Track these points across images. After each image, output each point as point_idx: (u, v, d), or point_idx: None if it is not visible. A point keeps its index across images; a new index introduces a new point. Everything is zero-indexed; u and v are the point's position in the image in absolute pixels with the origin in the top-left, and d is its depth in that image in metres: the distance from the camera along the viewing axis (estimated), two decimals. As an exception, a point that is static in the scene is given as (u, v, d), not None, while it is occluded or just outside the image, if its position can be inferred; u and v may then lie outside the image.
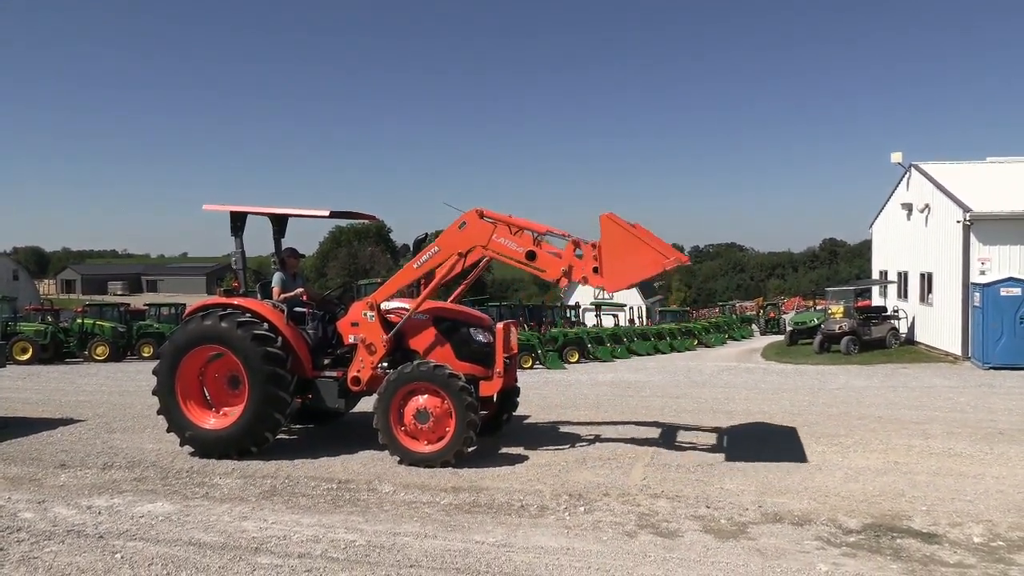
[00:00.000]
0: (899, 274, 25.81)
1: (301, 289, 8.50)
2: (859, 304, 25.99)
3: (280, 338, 7.75)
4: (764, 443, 8.58)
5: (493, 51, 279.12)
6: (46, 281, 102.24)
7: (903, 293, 25.29)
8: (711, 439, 8.79)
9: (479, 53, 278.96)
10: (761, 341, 35.87)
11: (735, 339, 38.97)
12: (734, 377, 17.17)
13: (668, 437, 8.92)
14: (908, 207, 23.77)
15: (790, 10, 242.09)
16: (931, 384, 14.85)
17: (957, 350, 19.67)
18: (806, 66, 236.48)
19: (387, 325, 7.92)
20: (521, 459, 7.72)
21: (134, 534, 5.47)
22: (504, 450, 8.10)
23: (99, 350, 23.05)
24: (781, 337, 33.59)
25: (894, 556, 5.03)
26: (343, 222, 63.85)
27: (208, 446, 7.77)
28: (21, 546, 5.22)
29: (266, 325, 7.76)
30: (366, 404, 8.49)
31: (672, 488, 6.63)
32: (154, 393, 8.03)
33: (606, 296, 58.12)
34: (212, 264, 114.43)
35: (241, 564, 4.91)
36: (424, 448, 7.42)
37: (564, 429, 9.49)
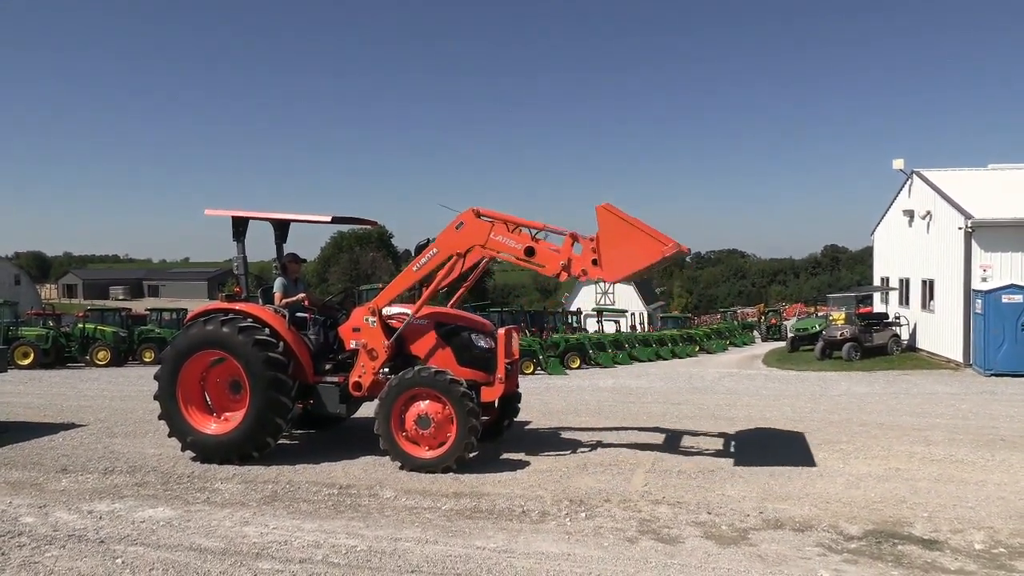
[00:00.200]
0: (901, 281, 25.81)
1: (303, 294, 8.51)
2: (861, 311, 26.02)
3: (281, 343, 7.76)
4: (765, 449, 8.57)
5: (495, 53, 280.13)
6: (48, 286, 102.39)
7: (905, 300, 25.29)
8: (712, 445, 8.79)
9: (481, 55, 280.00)
10: (762, 347, 35.85)
11: (736, 345, 38.97)
12: (735, 383, 17.15)
13: (669, 443, 8.91)
14: (910, 214, 23.80)
15: (792, 15, 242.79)
16: (933, 391, 14.83)
17: (959, 357, 19.65)
18: (808, 72, 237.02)
19: (389, 331, 7.93)
20: (522, 465, 7.72)
21: (135, 539, 5.47)
22: (505, 456, 8.10)
23: (100, 355, 23.08)
24: (783, 343, 33.61)
25: (895, 562, 5.03)
26: (345, 227, 63.83)
27: (209, 451, 7.77)
28: (22, 551, 5.22)
29: (268, 330, 7.77)
30: (367, 410, 8.49)
31: (673, 494, 6.62)
32: (155, 398, 8.03)
33: (608, 302, 58.14)
34: (214, 269, 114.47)
35: (242, 569, 4.91)
36: (425, 454, 7.42)
37: (565, 435, 9.49)
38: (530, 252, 7.41)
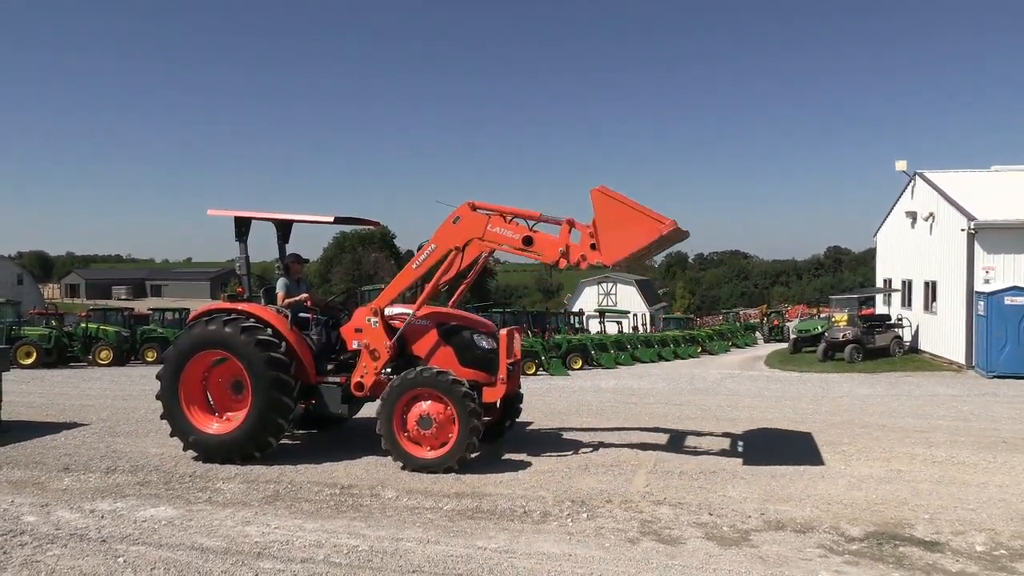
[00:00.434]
0: (903, 282, 25.78)
1: (306, 294, 8.52)
2: (863, 312, 26.02)
3: (284, 343, 7.77)
4: (767, 451, 8.57)
5: (497, 54, 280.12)
6: (50, 285, 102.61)
7: (907, 301, 25.26)
8: (714, 446, 8.79)
9: (483, 56, 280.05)
10: (765, 349, 35.84)
11: (739, 346, 38.96)
12: (738, 385, 17.14)
13: (671, 444, 8.91)
14: (912, 215, 23.78)
15: (794, 17, 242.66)
16: (934, 392, 14.81)
17: (961, 359, 19.63)
18: (810, 72, 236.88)
19: (391, 331, 7.94)
20: (524, 465, 7.72)
21: (137, 538, 5.48)
22: (507, 456, 8.11)
23: (103, 354, 23.13)
24: (785, 345, 33.58)
25: (896, 564, 5.02)
26: (347, 228, 64.00)
27: (211, 451, 7.79)
28: (24, 550, 5.24)
29: (270, 330, 7.78)
30: (369, 410, 8.50)
31: (675, 495, 6.62)
32: (158, 397, 8.05)
33: (610, 303, 58.08)
34: (216, 269, 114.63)
35: (244, 569, 4.92)
36: (427, 454, 7.43)
37: (567, 436, 9.49)
38: (528, 241, 7.42)
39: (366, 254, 70.80)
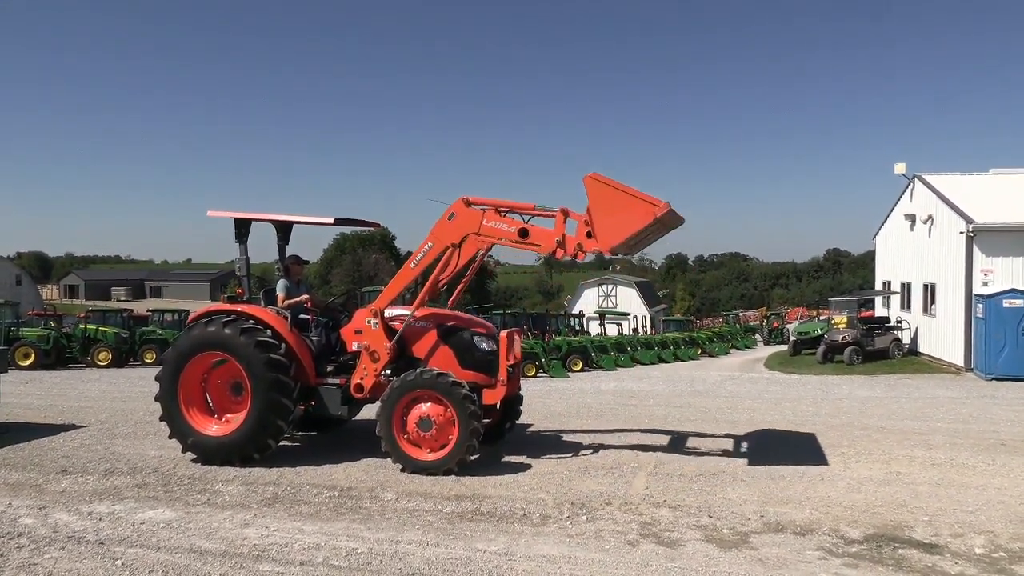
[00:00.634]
0: (902, 285, 25.80)
1: (306, 296, 8.51)
2: (862, 314, 25.99)
3: (283, 345, 7.76)
4: (767, 453, 8.56)
5: (497, 54, 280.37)
6: (49, 286, 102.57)
7: (906, 304, 25.27)
8: (714, 448, 8.78)
9: (483, 57, 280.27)
10: (764, 351, 35.82)
11: (739, 349, 38.95)
12: (737, 387, 17.14)
13: (671, 446, 8.91)
14: (912, 218, 23.80)
15: (793, 19, 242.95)
16: (933, 395, 14.82)
17: (960, 361, 19.64)
18: (810, 76, 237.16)
19: (391, 332, 7.93)
20: (524, 467, 7.71)
21: (135, 541, 5.47)
22: (507, 458, 8.10)
23: (102, 356, 23.08)
24: (784, 347, 33.56)
25: (896, 566, 5.02)
26: (347, 229, 63.97)
27: (210, 453, 7.77)
28: (21, 552, 5.22)
29: (269, 332, 7.78)
30: (369, 412, 8.49)
31: (674, 497, 6.62)
32: (156, 399, 8.03)
33: (610, 304, 58.08)
34: (216, 270, 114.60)
35: (242, 571, 4.91)
36: (427, 456, 7.42)
37: (567, 438, 9.48)
38: (524, 234, 7.42)
39: (366, 255, 70.74)
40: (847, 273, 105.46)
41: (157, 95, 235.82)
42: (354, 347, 8.08)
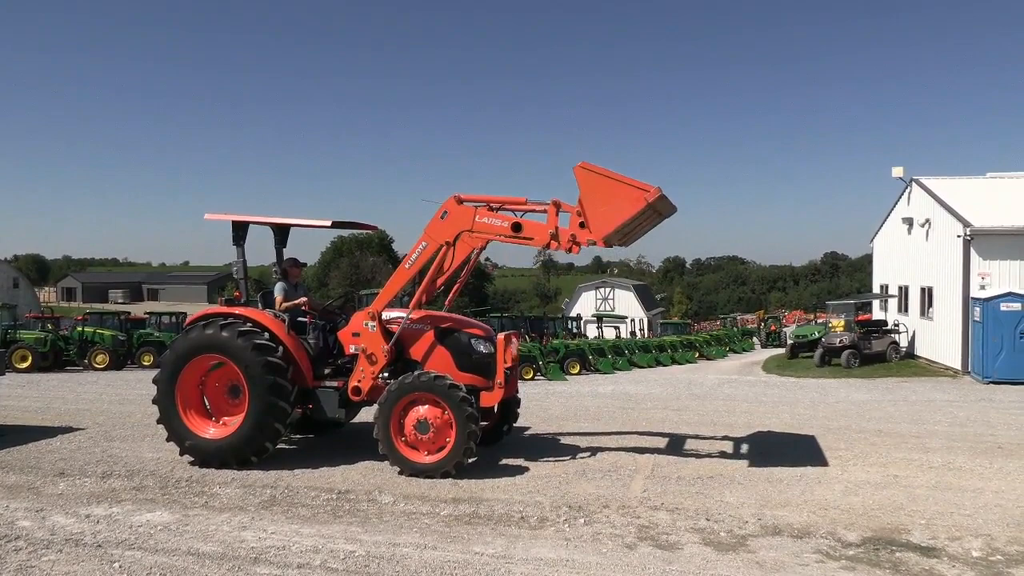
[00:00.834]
0: (900, 288, 25.84)
1: (303, 299, 8.52)
2: (860, 318, 26.02)
3: (281, 348, 7.76)
4: (764, 456, 8.57)
5: (496, 57, 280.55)
6: (46, 289, 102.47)
7: (904, 307, 25.32)
8: (711, 451, 8.79)
9: (480, 60, 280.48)
10: (762, 354, 35.83)
11: (736, 352, 38.95)
12: (735, 390, 17.16)
13: (668, 449, 8.91)
14: (909, 222, 23.85)
15: (791, 23, 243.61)
16: (931, 398, 14.84)
17: (957, 364, 19.67)
18: (808, 80, 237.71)
19: (388, 335, 7.93)
20: (521, 470, 7.71)
21: (132, 543, 5.46)
22: (504, 461, 8.10)
23: (99, 358, 23.05)
24: (782, 350, 33.59)
25: (893, 570, 5.03)
26: (345, 232, 64.02)
27: (208, 455, 7.76)
28: (19, 555, 5.21)
29: (267, 335, 7.77)
30: (366, 414, 8.49)
31: (672, 500, 6.62)
32: (154, 402, 8.03)
33: (608, 308, 58.12)
34: (213, 273, 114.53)
35: (240, 574, 4.90)
36: (424, 458, 7.42)
37: (564, 441, 9.49)
38: (517, 228, 7.43)
39: (364, 258, 70.71)
40: (844, 276, 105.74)
41: (155, 97, 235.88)
42: (352, 350, 8.08)
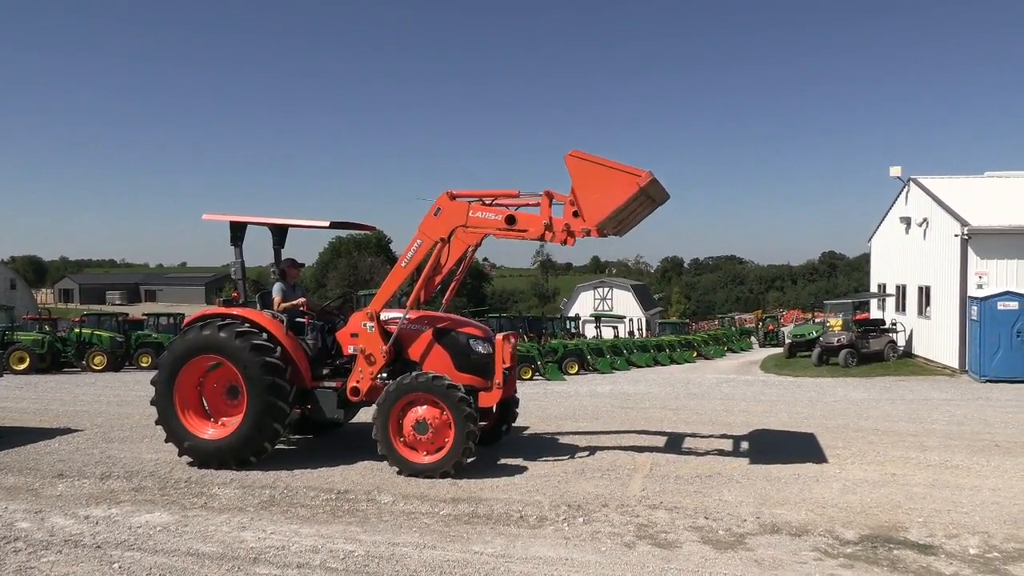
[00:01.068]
0: (897, 287, 25.89)
1: (302, 299, 8.52)
2: (857, 317, 26.08)
3: (279, 348, 7.76)
4: (762, 455, 8.58)
5: (493, 57, 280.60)
6: (44, 290, 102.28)
7: (901, 306, 25.36)
8: (710, 450, 8.80)
9: (480, 60, 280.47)
10: (760, 353, 35.88)
11: (734, 351, 39.00)
12: (733, 389, 17.18)
13: (667, 448, 8.92)
14: (907, 221, 23.90)
15: (788, 23, 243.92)
16: (928, 397, 14.87)
17: (954, 363, 19.71)
18: (805, 80, 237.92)
19: (386, 336, 7.94)
20: (520, 470, 7.72)
21: (132, 544, 5.46)
22: (503, 461, 8.11)
23: (97, 360, 23.03)
24: (780, 349, 33.63)
25: (891, 567, 5.04)
26: (343, 232, 63.96)
27: (206, 456, 7.76)
28: (18, 556, 5.21)
29: (265, 335, 7.77)
30: (365, 414, 8.49)
31: (670, 499, 6.63)
32: (152, 403, 8.03)
33: (606, 308, 58.11)
34: (211, 274, 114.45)
35: (239, 574, 4.90)
36: (423, 459, 7.42)
37: (563, 440, 9.49)
38: (511, 221, 7.43)
39: (362, 259, 70.68)
40: (842, 276, 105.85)
41: (153, 97, 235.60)
42: (350, 350, 8.08)
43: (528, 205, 7.59)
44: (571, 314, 46.76)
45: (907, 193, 24.44)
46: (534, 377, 21.64)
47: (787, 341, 30.39)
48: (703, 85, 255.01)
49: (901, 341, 24.27)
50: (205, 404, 8.23)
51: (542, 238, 7.35)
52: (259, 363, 7.54)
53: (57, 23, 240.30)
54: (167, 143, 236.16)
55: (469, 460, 7.53)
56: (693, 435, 9.87)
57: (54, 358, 23.01)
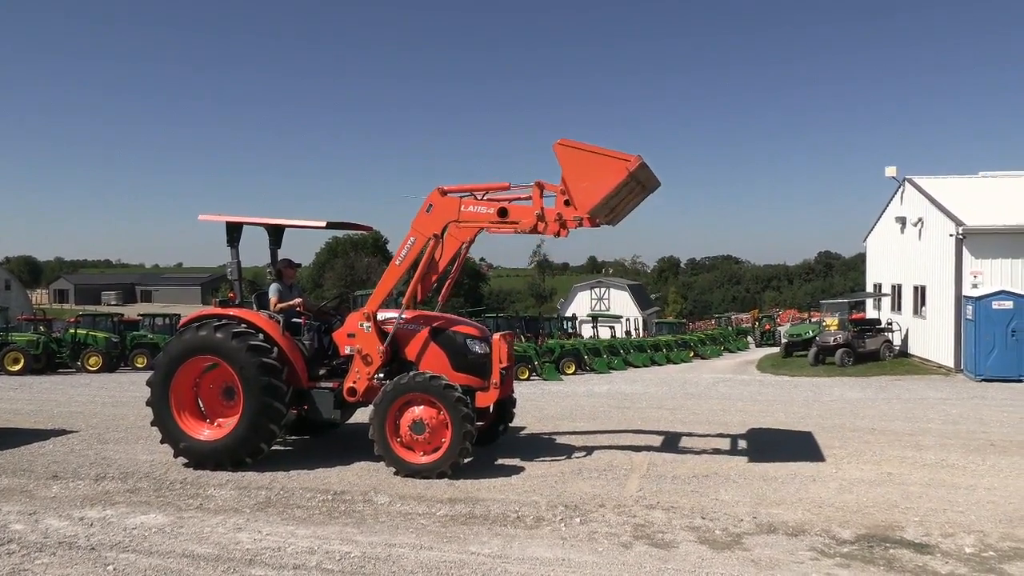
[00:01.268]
0: (893, 287, 25.95)
1: (298, 300, 8.50)
2: (853, 317, 26.16)
3: (276, 349, 7.75)
4: (759, 454, 8.59)
5: (490, 58, 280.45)
6: (39, 291, 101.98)
7: (897, 306, 25.43)
8: (706, 450, 8.81)
9: (479, 60, 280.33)
10: (756, 353, 35.95)
11: (731, 351, 39.08)
12: (730, 389, 17.20)
13: (664, 448, 8.93)
14: (902, 221, 23.96)
15: (784, 23, 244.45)
16: (924, 396, 14.90)
17: (950, 362, 19.77)
18: (801, 80, 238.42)
19: (383, 336, 7.92)
20: (517, 470, 7.72)
21: (127, 546, 5.44)
22: (500, 461, 8.10)
23: (92, 361, 22.96)
24: (776, 349, 33.70)
25: (887, 566, 5.05)
26: (340, 233, 63.93)
27: (202, 457, 7.74)
28: (12, 558, 5.19)
29: (261, 336, 7.76)
30: (362, 415, 8.48)
31: (667, 499, 6.63)
32: (148, 404, 8.00)
33: (603, 307, 58.15)
34: (207, 274, 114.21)
35: None
36: (420, 459, 7.41)
37: (560, 440, 9.49)
38: (503, 213, 7.43)
39: (358, 259, 70.68)
40: (838, 275, 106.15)
41: (148, 98, 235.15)
42: (347, 351, 8.07)
43: (520, 198, 7.59)
44: (568, 314, 46.80)
45: (902, 193, 24.50)
46: (531, 377, 21.63)
47: (783, 341, 30.48)
48: (699, 85, 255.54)
49: (897, 341, 24.33)
50: (201, 405, 8.22)
51: (535, 229, 7.33)
52: (255, 364, 7.52)
53: (51, 22, 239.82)
54: (163, 143, 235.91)
55: (466, 460, 7.53)
56: (690, 435, 9.87)
57: (49, 359, 22.93)
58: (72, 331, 24.31)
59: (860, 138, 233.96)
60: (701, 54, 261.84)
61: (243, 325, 7.80)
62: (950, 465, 8.02)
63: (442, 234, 7.63)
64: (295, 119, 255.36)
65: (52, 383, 18.35)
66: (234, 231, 8.43)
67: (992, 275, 19.17)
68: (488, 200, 7.60)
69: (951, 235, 19.59)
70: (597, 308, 58.69)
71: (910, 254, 23.66)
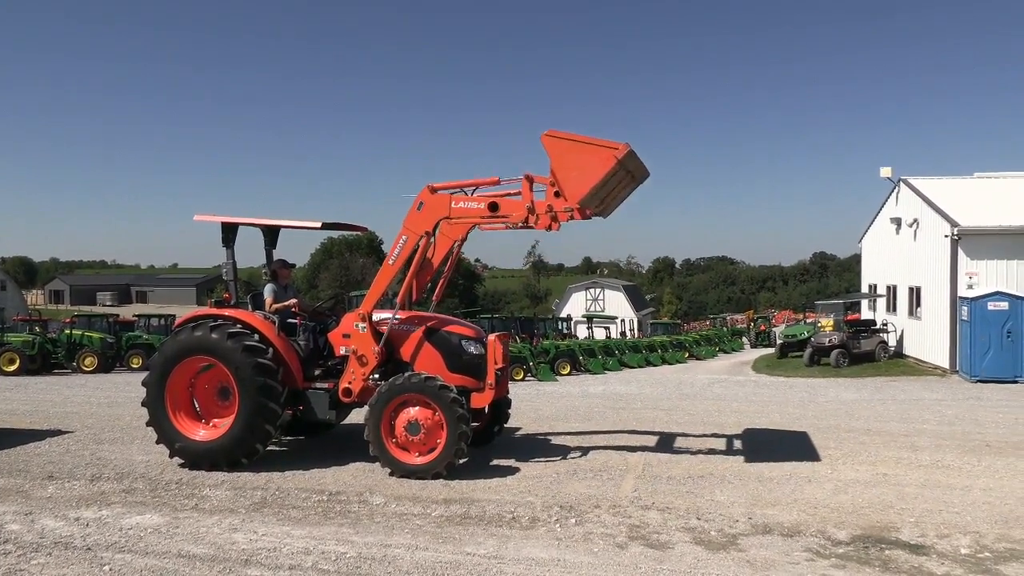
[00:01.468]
0: (888, 288, 26.01)
1: (293, 300, 8.49)
2: (849, 317, 26.22)
3: (271, 349, 7.74)
4: (754, 455, 8.61)
5: (492, 58, 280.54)
6: (34, 291, 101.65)
7: (892, 307, 25.48)
8: (702, 451, 8.82)
9: (478, 61, 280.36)
10: (752, 354, 35.99)
11: (726, 352, 39.10)
12: (725, 390, 17.22)
13: (659, 449, 8.93)
14: (897, 222, 24.01)
15: (780, 25, 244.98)
16: (919, 397, 14.95)
17: (945, 363, 19.82)
18: (797, 81, 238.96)
19: (378, 336, 7.92)
20: (512, 471, 7.72)
21: (122, 546, 5.43)
22: (495, 462, 8.10)
23: (87, 361, 22.91)
24: (771, 350, 33.76)
25: (882, 567, 5.06)
26: (335, 233, 63.84)
27: (198, 458, 7.73)
28: (8, 559, 5.18)
29: (257, 336, 7.75)
30: (357, 416, 8.47)
31: (663, 500, 6.64)
32: (143, 404, 7.99)
33: (598, 308, 58.21)
34: (202, 275, 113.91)
35: (231, 576, 4.88)
36: (415, 460, 7.41)
37: (555, 441, 9.49)
38: (494, 207, 7.43)
39: (354, 260, 70.59)
40: (833, 276, 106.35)
41: (144, 98, 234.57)
42: (342, 351, 8.06)
43: (511, 194, 7.60)
44: (563, 315, 46.76)
45: (897, 194, 24.57)
46: (526, 378, 21.64)
47: (778, 342, 30.53)
48: (696, 86, 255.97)
49: (892, 341, 24.39)
50: (196, 405, 8.20)
51: (526, 223, 7.33)
52: (251, 364, 7.51)
53: (48, 21, 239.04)
54: (161, 143, 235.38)
55: (461, 461, 7.53)
56: (685, 436, 9.88)
57: (44, 359, 22.88)
58: (68, 332, 24.25)
59: (857, 138, 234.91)
60: (700, 54, 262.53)
61: (238, 325, 7.79)
62: (946, 466, 8.04)
63: (434, 232, 7.64)
64: (295, 119, 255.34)
65: (48, 383, 18.30)
66: (229, 231, 8.41)
67: (987, 276, 19.23)
68: (479, 196, 7.60)
69: (946, 236, 19.64)
70: (592, 309, 58.71)
71: (905, 255, 23.73)
